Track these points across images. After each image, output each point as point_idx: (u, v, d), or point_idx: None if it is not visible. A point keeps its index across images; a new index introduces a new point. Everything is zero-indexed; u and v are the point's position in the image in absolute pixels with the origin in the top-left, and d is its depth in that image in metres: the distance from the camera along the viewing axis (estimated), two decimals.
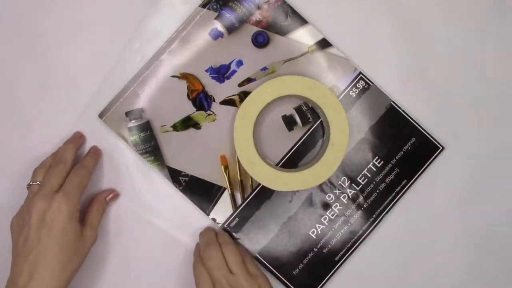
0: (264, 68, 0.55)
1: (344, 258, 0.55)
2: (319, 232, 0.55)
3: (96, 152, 0.55)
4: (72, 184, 0.50)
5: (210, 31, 0.55)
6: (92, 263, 0.55)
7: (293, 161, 0.55)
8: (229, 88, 0.55)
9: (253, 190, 0.55)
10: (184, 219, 0.55)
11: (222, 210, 0.55)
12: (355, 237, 0.55)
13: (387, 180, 0.55)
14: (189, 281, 0.52)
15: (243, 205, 0.55)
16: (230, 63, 0.55)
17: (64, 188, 0.49)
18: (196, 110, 0.55)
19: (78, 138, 0.54)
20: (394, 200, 0.55)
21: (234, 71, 0.55)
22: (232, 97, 0.55)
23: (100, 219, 0.53)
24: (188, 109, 0.55)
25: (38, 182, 0.51)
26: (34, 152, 0.55)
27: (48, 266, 0.47)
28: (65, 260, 0.48)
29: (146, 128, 0.55)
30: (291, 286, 0.55)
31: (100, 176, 0.55)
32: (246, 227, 0.55)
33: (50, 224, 0.48)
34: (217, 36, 0.55)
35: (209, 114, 0.55)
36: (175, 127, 0.55)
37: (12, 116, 0.56)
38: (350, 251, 0.55)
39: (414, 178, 0.55)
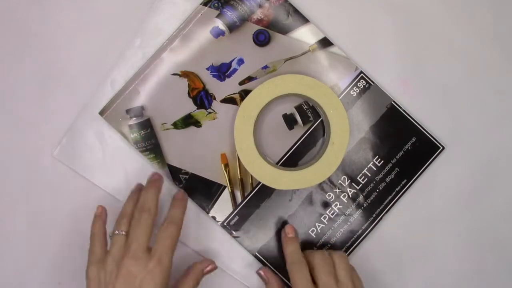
0: (265, 67, 0.55)
1: None
2: (319, 231, 0.55)
3: (182, 199, 0.52)
4: (165, 247, 0.47)
5: (212, 29, 0.55)
6: None
7: (293, 160, 0.55)
8: (230, 87, 0.55)
9: (253, 189, 0.55)
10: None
11: (222, 208, 0.55)
12: (355, 236, 0.55)
13: (387, 179, 0.55)
14: None
15: (243, 204, 0.55)
16: (231, 62, 0.55)
17: (156, 253, 0.47)
18: (197, 108, 0.55)
19: (158, 181, 0.52)
20: (394, 200, 0.55)
21: (235, 70, 0.55)
22: (233, 95, 0.55)
23: None
24: (188, 107, 0.55)
25: (123, 232, 0.48)
26: (34, 152, 0.55)
27: None
28: None
29: (147, 125, 0.55)
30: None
31: (100, 175, 0.55)
32: (246, 225, 0.55)
33: None
34: (218, 34, 0.55)
35: (209, 112, 0.55)
36: (175, 125, 0.55)
37: (12, 116, 0.55)
38: (350, 250, 0.55)
39: (414, 178, 0.55)
